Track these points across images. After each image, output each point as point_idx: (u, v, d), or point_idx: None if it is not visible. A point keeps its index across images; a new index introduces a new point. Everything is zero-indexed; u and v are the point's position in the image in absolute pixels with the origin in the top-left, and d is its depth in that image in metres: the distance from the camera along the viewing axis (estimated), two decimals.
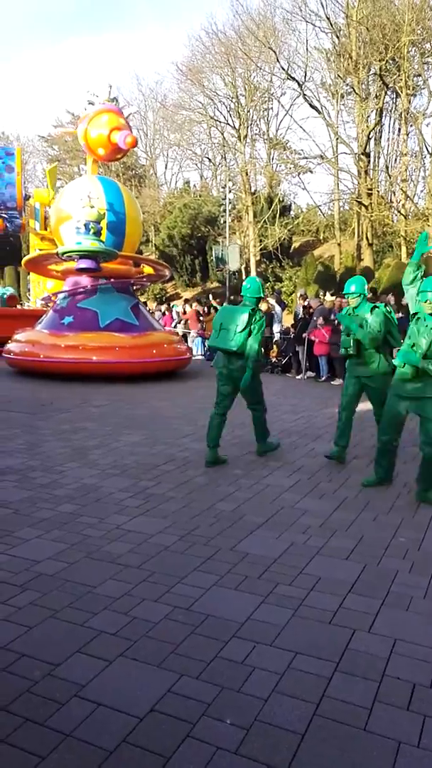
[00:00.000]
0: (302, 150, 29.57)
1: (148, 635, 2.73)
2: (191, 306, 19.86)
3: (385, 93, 25.25)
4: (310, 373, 13.47)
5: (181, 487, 5.01)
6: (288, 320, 17.68)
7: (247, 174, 29.32)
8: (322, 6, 25.00)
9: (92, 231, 11.74)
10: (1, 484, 4.99)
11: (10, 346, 12.69)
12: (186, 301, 25.05)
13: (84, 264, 11.79)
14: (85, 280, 12.81)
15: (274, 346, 15.19)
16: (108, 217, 12.60)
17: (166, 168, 38.77)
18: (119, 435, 7.01)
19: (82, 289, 12.84)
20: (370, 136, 26.08)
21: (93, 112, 13.19)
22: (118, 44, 57.26)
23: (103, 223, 12.25)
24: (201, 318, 19.15)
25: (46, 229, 21.37)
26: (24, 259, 15.32)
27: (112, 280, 12.97)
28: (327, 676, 2.46)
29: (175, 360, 12.38)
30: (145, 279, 15.29)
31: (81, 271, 12.07)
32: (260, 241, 27.79)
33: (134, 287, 14.47)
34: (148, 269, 15.23)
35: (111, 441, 6.70)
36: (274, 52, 25.65)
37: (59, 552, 3.62)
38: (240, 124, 29.66)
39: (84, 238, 11.68)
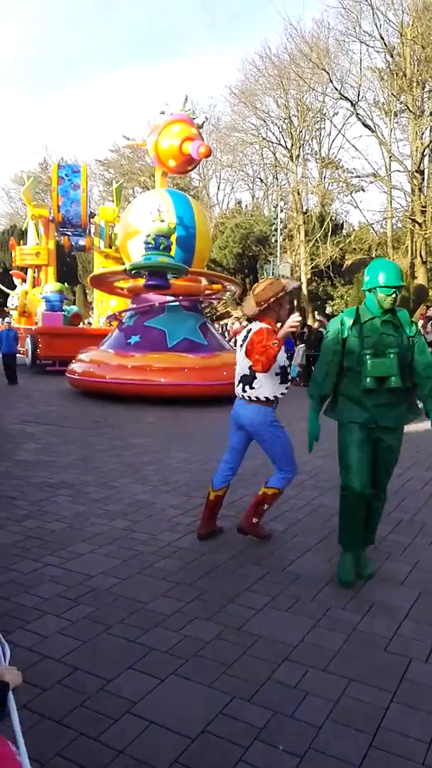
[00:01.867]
0: (354, 169, 29.52)
1: (200, 654, 2.72)
2: (240, 323, 19.97)
3: None
4: None
5: (232, 505, 5.00)
6: None
7: (298, 193, 29.41)
8: (376, 26, 25.02)
9: (162, 246, 11.33)
10: (56, 498, 5.10)
11: (74, 366, 12.34)
12: (237, 319, 25.17)
13: (153, 281, 11.41)
14: (153, 298, 12.39)
15: None
16: (177, 232, 12.18)
17: (218, 189, 39.24)
18: (171, 452, 7.06)
19: (149, 307, 12.39)
20: (425, 153, 25.76)
21: (164, 123, 12.75)
22: (174, 71, 58.86)
23: (173, 238, 11.89)
24: None
25: (110, 247, 21.56)
26: (89, 276, 15.33)
27: (180, 297, 12.51)
28: (383, 706, 2.38)
29: None
30: (214, 296, 14.84)
31: (149, 287, 11.66)
32: (311, 259, 27.74)
33: (202, 304, 14.02)
34: (216, 285, 14.86)
35: (163, 457, 6.76)
36: (327, 73, 25.80)
37: (112, 567, 3.66)
38: (292, 145, 29.85)
39: (153, 254, 11.29)
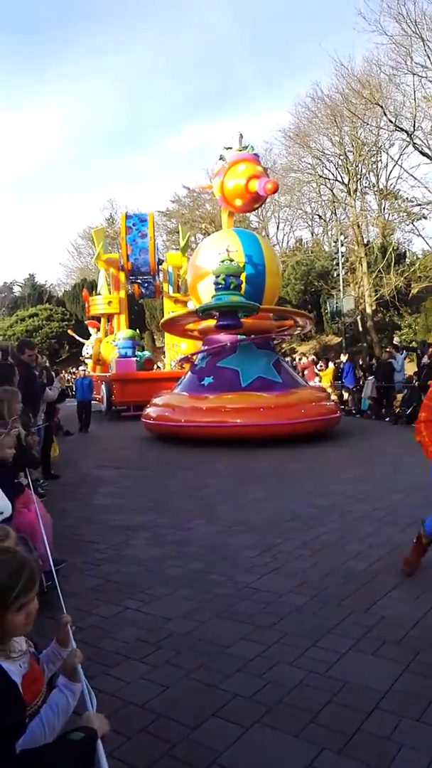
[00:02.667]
0: (415, 197, 29.08)
1: (285, 701, 2.63)
2: (307, 358, 19.83)
3: None
4: None
5: (309, 544, 4.88)
6: (410, 368, 17.02)
7: (358, 226, 29.32)
8: (428, 57, 25.03)
9: (232, 285, 11.29)
10: (133, 541, 5.15)
11: (149, 410, 12.24)
12: (304, 354, 25.08)
13: (225, 321, 11.37)
14: (224, 338, 12.23)
15: (397, 396, 14.67)
16: (247, 270, 12.08)
17: (277, 229, 39.65)
18: (244, 491, 7.02)
19: (221, 348, 12.24)
20: None
21: (228, 164, 12.76)
22: (229, 121, 60.82)
23: (243, 277, 11.79)
24: (318, 371, 19.02)
25: (179, 291, 22.04)
26: (161, 321, 15.52)
27: (252, 336, 12.31)
28: None
29: (326, 419, 11.15)
30: (286, 332, 14.58)
31: (221, 328, 11.61)
32: (376, 290, 27.40)
33: (274, 341, 13.74)
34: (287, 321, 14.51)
35: (236, 497, 6.72)
36: (381, 107, 25.92)
37: (190, 610, 3.64)
38: (349, 180, 29.94)
39: (224, 294, 11.29)
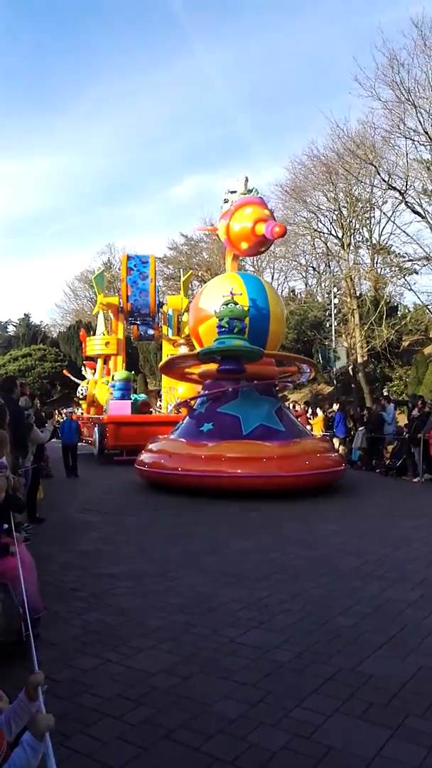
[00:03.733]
0: (407, 253, 29.82)
1: (268, 767, 2.53)
2: (299, 406, 19.83)
3: None
4: (427, 476, 12.72)
5: (296, 598, 4.78)
6: (401, 420, 17.08)
7: (351, 279, 29.91)
8: (420, 123, 26.11)
9: (236, 329, 10.99)
10: (116, 590, 5.04)
11: (143, 457, 11.62)
12: (296, 402, 25.15)
13: (227, 365, 10.99)
14: (225, 383, 11.76)
15: (387, 448, 14.67)
16: (250, 314, 11.72)
17: (272, 279, 40.26)
18: (232, 541, 6.91)
19: (222, 392, 11.70)
20: None
21: (235, 206, 12.62)
22: (230, 174, 62.82)
23: (246, 321, 11.45)
24: (309, 419, 19.05)
25: (179, 335, 21.77)
26: (161, 363, 15.24)
27: (255, 381, 11.77)
28: None
29: (331, 472, 10.64)
30: (288, 378, 14.24)
31: (223, 372, 11.18)
32: (367, 342, 27.74)
33: (276, 388, 13.33)
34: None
35: (223, 547, 6.62)
36: (375, 166, 26.86)
37: (173, 664, 3.53)
38: (343, 234, 30.72)
39: (227, 337, 10.95)
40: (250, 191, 13.08)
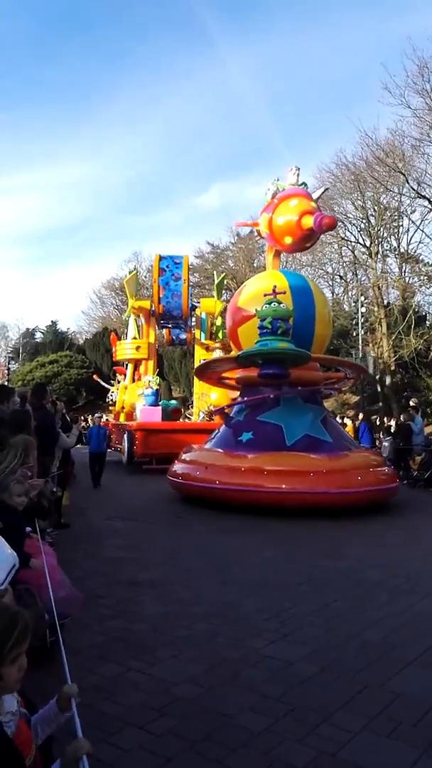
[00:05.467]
0: None
1: None
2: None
3: None
4: None
5: (322, 610, 4.70)
6: (430, 431, 16.80)
7: (379, 288, 29.66)
8: None
9: (280, 330, 9.99)
10: (140, 597, 5.01)
11: (176, 467, 10.86)
12: None
13: (270, 369, 10.04)
14: (266, 389, 10.85)
15: (415, 458, 14.43)
16: (294, 315, 10.62)
17: None
18: (257, 550, 6.85)
19: (262, 399, 10.82)
20: None
21: (279, 199, 11.72)
22: (257, 183, 63.04)
23: (291, 322, 10.44)
24: None
25: (212, 339, 20.90)
26: (196, 367, 14.46)
27: (299, 387, 10.78)
28: None
29: (384, 489, 9.76)
30: (335, 385, 13.13)
31: (265, 377, 10.22)
32: (395, 351, 27.43)
33: (321, 395, 12.27)
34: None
35: (249, 556, 6.56)
36: (404, 175, 26.64)
37: (196, 674, 3.49)
38: (371, 242, 30.51)
39: (270, 339, 10.00)
40: (301, 185, 12.09)
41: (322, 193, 12.98)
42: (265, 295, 10.53)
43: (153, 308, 20.78)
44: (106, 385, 25.47)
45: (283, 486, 8.98)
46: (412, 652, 3.87)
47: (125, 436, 17.10)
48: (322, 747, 2.73)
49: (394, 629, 4.30)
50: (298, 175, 12.14)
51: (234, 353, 11.89)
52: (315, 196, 12.09)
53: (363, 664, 3.67)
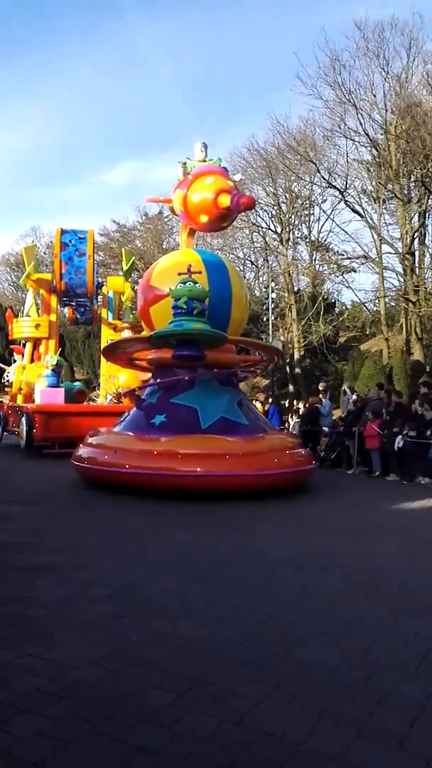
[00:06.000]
0: (345, 251, 30.54)
1: (196, 754, 2.43)
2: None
3: (428, 198, 26.15)
4: (362, 468, 13.01)
5: (229, 587, 4.72)
6: (336, 414, 17.41)
7: (289, 274, 30.31)
8: (360, 124, 26.68)
9: (196, 311, 9.75)
10: (39, 582, 4.80)
11: (82, 452, 10.43)
12: None
13: (185, 350, 9.83)
14: (180, 371, 10.66)
15: (323, 440, 14.91)
16: (211, 296, 10.35)
17: None
18: (165, 533, 6.79)
19: (176, 381, 10.59)
20: (414, 237, 26.79)
21: (194, 175, 11.33)
22: (167, 163, 62.35)
23: (207, 303, 10.17)
24: None
25: (120, 319, 20.18)
26: (104, 348, 13.92)
27: (215, 370, 10.67)
28: None
29: (302, 471, 9.91)
30: (251, 368, 13.09)
31: (180, 359, 10.05)
32: (305, 337, 28.20)
33: (237, 378, 12.15)
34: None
35: (158, 538, 6.49)
36: (315, 164, 27.25)
37: (99, 657, 3.37)
38: (282, 229, 31.06)
39: (185, 320, 9.78)
40: (212, 161, 11.86)
41: (239, 180, 12.85)
42: (180, 274, 10.22)
43: (54, 284, 19.62)
44: (2, 365, 24.01)
45: (198, 469, 8.84)
46: (314, 624, 3.95)
47: (23, 419, 16.25)
48: (226, 717, 2.71)
49: (297, 603, 4.38)
50: (205, 151, 11.86)
51: (146, 333, 11.57)
52: (236, 178, 11.87)
53: (267, 637, 3.70)
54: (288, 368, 28.87)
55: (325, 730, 2.64)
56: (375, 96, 26.34)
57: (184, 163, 11.82)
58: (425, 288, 25.83)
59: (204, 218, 11.30)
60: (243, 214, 31.96)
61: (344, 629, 3.84)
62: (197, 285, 9.99)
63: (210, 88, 67.60)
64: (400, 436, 11.54)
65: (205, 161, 11.79)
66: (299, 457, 10.10)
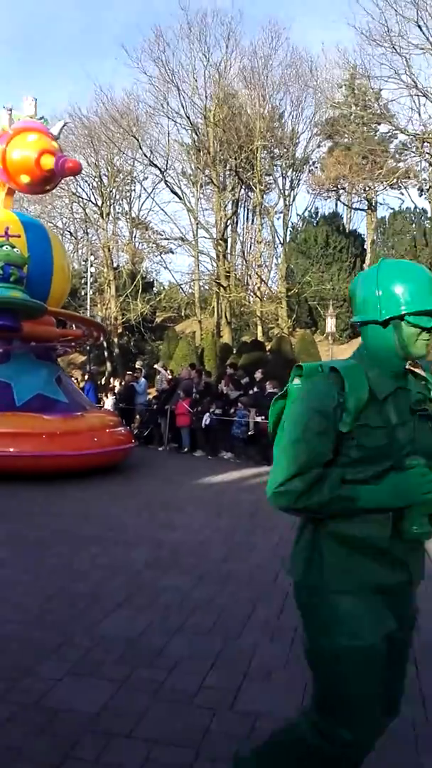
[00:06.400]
0: (164, 231, 30.93)
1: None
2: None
3: (241, 187, 27.49)
4: (172, 444, 13.49)
5: (35, 567, 4.66)
6: (151, 392, 17.77)
7: (109, 250, 29.91)
8: (182, 106, 27.03)
9: (13, 278, 9.12)
10: None
11: None
12: None
13: (0, 321, 9.10)
14: None
15: (137, 417, 15.15)
16: (30, 263, 9.66)
17: None
18: None
19: None
20: (228, 224, 28.02)
21: (14, 130, 10.44)
22: None
23: (26, 270, 9.51)
24: None
25: None
26: None
27: (32, 343, 10.11)
28: (188, 763, 2.32)
29: (121, 450, 9.82)
30: (72, 343, 12.52)
31: None
32: (123, 314, 28.15)
33: (56, 353, 11.68)
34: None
35: None
36: (137, 140, 27.06)
37: None
38: (102, 202, 30.45)
39: (1, 287, 9.05)
40: (40, 119, 11.02)
41: (63, 127, 11.93)
42: None
43: None
44: None
45: (12, 449, 8.40)
46: (116, 598, 4.09)
47: None
48: (23, 699, 2.72)
49: (101, 579, 4.48)
50: (35, 106, 11.07)
51: None
52: (55, 130, 11.08)
53: (71, 614, 3.75)
54: (106, 345, 28.64)
55: (123, 696, 2.78)
56: (196, 81, 26.89)
57: (10, 111, 10.79)
58: (235, 274, 27.26)
59: (26, 179, 10.46)
60: (63, 181, 30.77)
61: (148, 600, 4.04)
62: (15, 250, 9.33)
63: (30, 46, 63.12)
64: (207, 414, 12.18)
65: (33, 118, 10.95)
66: (119, 436, 10.01)
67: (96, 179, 30.51)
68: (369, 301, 1.72)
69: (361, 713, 1.61)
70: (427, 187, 24.48)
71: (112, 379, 19.27)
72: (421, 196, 25.55)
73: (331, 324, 18.04)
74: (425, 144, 20.56)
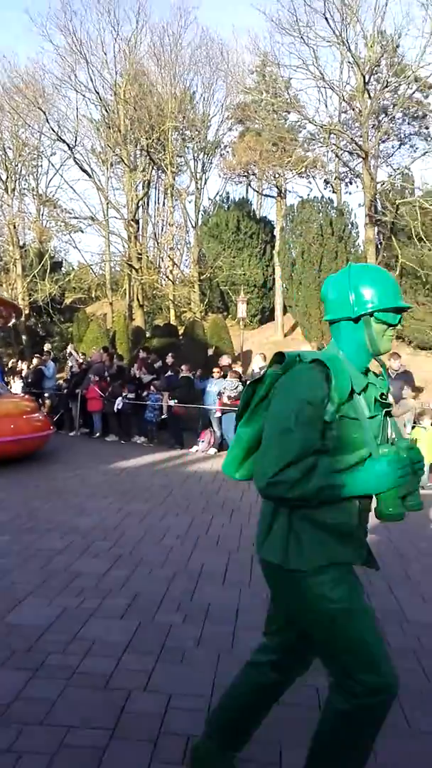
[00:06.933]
0: (73, 210, 29.95)
1: None
2: None
3: (152, 168, 27.10)
4: (83, 429, 13.26)
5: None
6: (61, 376, 17.33)
7: (14, 227, 28.63)
8: (91, 80, 26.16)
9: None
10: None
11: None
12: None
13: None
14: None
15: (47, 402, 14.74)
16: None
17: None
18: None
19: None
20: (139, 205, 27.59)
21: None
22: None
23: None
24: None
25: None
26: None
27: None
28: (102, 746, 2.35)
29: (39, 437, 9.47)
30: None
31: None
32: (30, 295, 27.14)
33: None
34: None
35: None
36: (44, 112, 25.95)
37: None
38: (7, 177, 29.05)
39: None
40: None
41: None
42: None
43: None
44: None
45: None
46: (29, 586, 4.03)
47: None
48: None
49: (14, 567, 4.39)
50: None
51: None
52: None
53: None
54: (13, 327, 27.50)
55: (36, 685, 2.77)
56: (106, 54, 26.07)
57: None
58: (147, 256, 26.96)
59: None
60: None
61: (62, 585, 4.00)
62: None
63: None
64: (119, 398, 12.07)
65: None
66: (37, 422, 9.62)
67: (0, 152, 29.04)
68: (342, 301, 1.87)
69: (381, 655, 1.78)
70: (333, 178, 25.27)
71: (19, 363, 18.60)
72: (326, 188, 26.35)
73: (242, 309, 18.25)
74: (332, 135, 21.11)
